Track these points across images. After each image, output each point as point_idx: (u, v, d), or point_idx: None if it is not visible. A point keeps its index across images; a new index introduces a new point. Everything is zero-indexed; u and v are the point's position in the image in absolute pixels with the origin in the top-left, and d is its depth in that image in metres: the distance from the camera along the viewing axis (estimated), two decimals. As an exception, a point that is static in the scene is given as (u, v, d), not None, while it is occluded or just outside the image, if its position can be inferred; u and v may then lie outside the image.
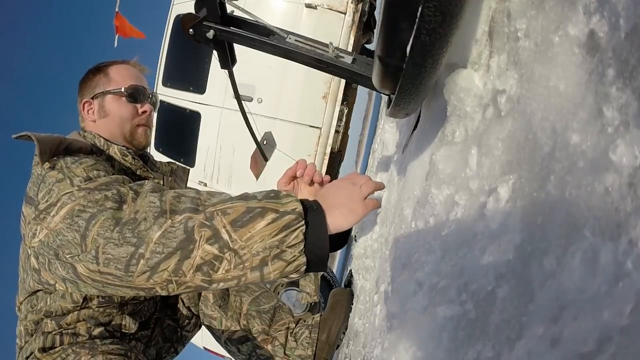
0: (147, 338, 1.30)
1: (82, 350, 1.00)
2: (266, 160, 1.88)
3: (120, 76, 1.24)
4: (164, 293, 0.78)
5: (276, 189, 0.91)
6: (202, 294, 1.45)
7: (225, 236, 0.73)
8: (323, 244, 0.78)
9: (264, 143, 1.85)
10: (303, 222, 0.75)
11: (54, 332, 1.05)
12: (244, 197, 0.78)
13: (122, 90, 1.22)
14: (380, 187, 0.93)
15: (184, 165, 1.49)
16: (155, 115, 1.35)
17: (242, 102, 1.61)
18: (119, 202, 0.78)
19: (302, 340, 1.44)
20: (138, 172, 1.22)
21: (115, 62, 1.28)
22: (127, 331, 1.19)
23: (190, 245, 0.72)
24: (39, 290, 1.05)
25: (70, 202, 0.79)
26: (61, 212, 0.79)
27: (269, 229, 0.73)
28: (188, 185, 1.46)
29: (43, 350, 1.02)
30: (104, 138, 1.18)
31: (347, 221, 0.83)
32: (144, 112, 1.26)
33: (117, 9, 3.33)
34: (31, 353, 1.03)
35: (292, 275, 0.78)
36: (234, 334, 1.43)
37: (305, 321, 1.51)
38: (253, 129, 1.70)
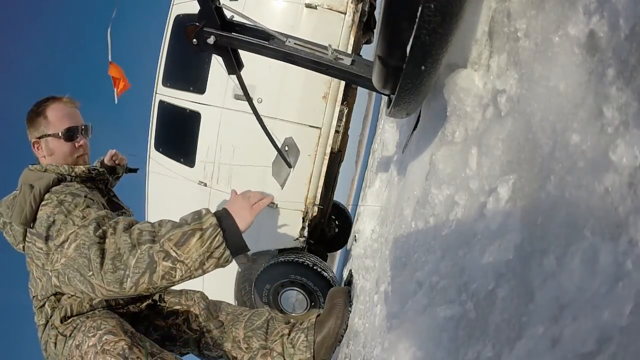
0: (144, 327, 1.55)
1: (87, 320, 1.31)
2: (290, 167, 1.83)
3: (56, 118, 1.48)
4: (148, 293, 1.22)
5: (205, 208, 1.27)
6: (202, 340, 1.59)
7: (174, 254, 1.16)
8: (238, 238, 1.23)
9: (285, 149, 1.79)
10: (219, 229, 1.18)
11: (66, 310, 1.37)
12: (180, 224, 1.20)
13: (60, 134, 1.47)
14: (266, 201, 1.31)
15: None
16: (89, 139, 1.59)
17: (256, 108, 1.57)
18: (103, 238, 1.19)
19: (300, 345, 1.51)
20: (94, 174, 1.54)
21: (50, 101, 1.51)
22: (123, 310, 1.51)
23: (154, 265, 1.15)
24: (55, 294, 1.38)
25: (76, 240, 1.19)
26: (72, 246, 1.19)
27: (199, 242, 1.16)
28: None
29: (62, 320, 1.34)
30: (67, 165, 1.47)
31: (246, 221, 1.25)
32: (80, 146, 1.53)
33: (110, 59, 3.15)
34: (52, 325, 1.35)
35: (225, 264, 1.21)
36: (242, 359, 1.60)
37: (301, 324, 1.56)
38: (271, 135, 1.65)
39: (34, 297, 1.42)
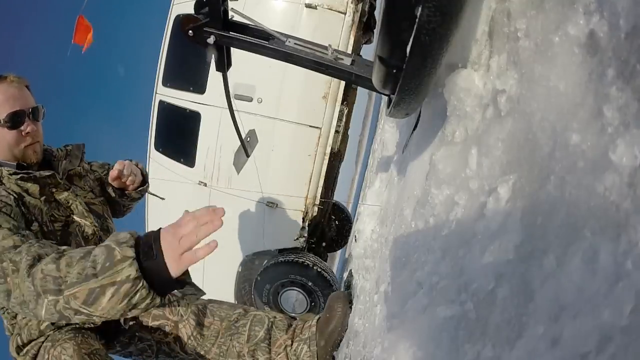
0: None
1: (45, 350, 1.20)
2: (248, 156, 1.96)
3: None
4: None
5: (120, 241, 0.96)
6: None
7: (86, 311, 0.94)
8: (168, 282, 0.93)
9: (247, 140, 1.92)
10: (141, 281, 0.90)
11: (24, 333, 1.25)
12: (86, 276, 0.92)
13: (1, 121, 1.24)
14: (202, 254, 0.93)
15: (78, 143, 1.59)
16: (40, 124, 1.35)
17: (231, 101, 1.65)
18: (4, 277, 1.00)
19: (303, 356, 1.49)
20: (26, 185, 1.29)
21: None
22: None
23: (67, 317, 0.97)
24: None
25: None
26: None
27: (114, 300, 0.91)
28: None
29: (17, 350, 1.23)
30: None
31: (173, 269, 0.92)
32: (27, 133, 1.29)
33: (81, 11, 3.00)
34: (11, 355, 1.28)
35: (157, 308, 0.99)
36: None
37: (302, 334, 1.53)
38: (239, 127, 1.76)
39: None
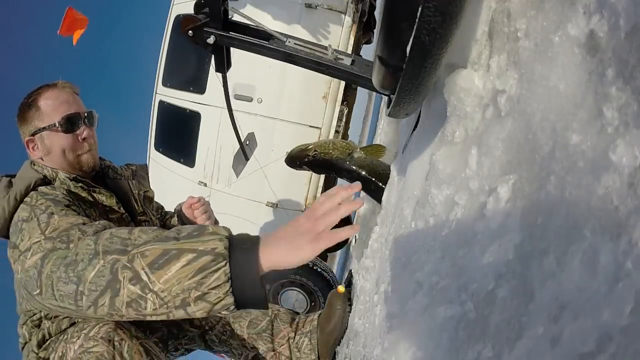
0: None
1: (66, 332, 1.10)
2: (247, 159, 1.97)
3: (51, 108, 1.22)
4: (119, 319, 0.87)
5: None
6: (207, 336, 1.52)
7: (145, 277, 0.78)
8: (253, 284, 0.77)
9: (247, 143, 1.92)
10: (225, 262, 0.75)
11: (44, 329, 1.15)
12: (165, 238, 0.81)
13: (56, 124, 1.21)
14: (350, 209, 0.84)
15: (142, 164, 1.57)
16: (95, 130, 1.33)
17: (231, 103, 1.67)
18: (67, 243, 0.89)
19: (304, 349, 1.53)
20: (83, 195, 1.24)
21: (43, 89, 1.25)
22: None
23: (117, 285, 0.79)
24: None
25: (39, 252, 0.91)
26: (33, 258, 0.91)
27: (185, 271, 0.76)
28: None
29: (39, 344, 1.13)
30: (50, 168, 1.23)
31: (287, 260, 0.79)
32: (84, 139, 1.26)
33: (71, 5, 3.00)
34: (31, 349, 1.14)
35: (223, 313, 0.80)
36: (247, 357, 1.56)
37: (303, 327, 1.57)
38: (239, 131, 1.77)
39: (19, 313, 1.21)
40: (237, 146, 3.21)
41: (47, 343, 1.13)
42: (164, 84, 3.48)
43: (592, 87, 0.43)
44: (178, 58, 3.42)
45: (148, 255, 0.78)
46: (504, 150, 0.60)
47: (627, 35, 0.38)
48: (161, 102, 3.49)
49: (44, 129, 1.21)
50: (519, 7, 0.63)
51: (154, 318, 0.82)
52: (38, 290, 0.88)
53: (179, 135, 3.52)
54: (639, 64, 0.36)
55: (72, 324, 1.12)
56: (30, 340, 1.14)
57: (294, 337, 1.54)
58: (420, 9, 0.59)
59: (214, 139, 3.27)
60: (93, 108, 1.32)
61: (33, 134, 1.23)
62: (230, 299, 0.77)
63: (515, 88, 0.61)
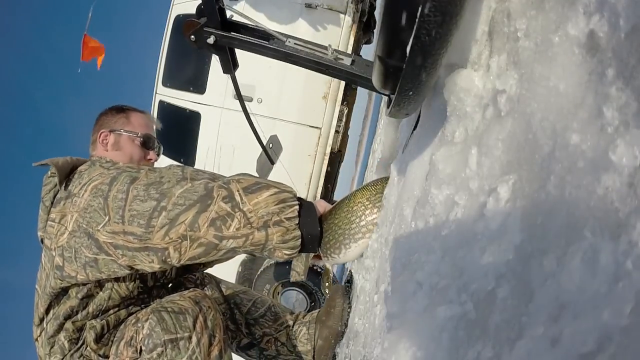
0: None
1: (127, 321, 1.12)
2: (272, 163, 1.91)
3: (138, 123, 1.40)
4: (174, 258, 0.91)
5: None
6: None
7: (238, 198, 0.94)
8: (314, 224, 1.05)
9: (270, 146, 1.87)
10: (297, 202, 1.01)
11: (76, 328, 1.15)
12: (251, 175, 1.01)
13: (138, 134, 1.37)
14: None
15: None
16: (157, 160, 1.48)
17: (246, 105, 1.64)
18: (137, 170, 0.98)
19: (301, 338, 1.55)
20: None
21: (136, 109, 1.44)
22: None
23: (209, 200, 0.91)
24: (55, 299, 1.13)
25: (99, 178, 0.95)
26: (89, 188, 0.95)
27: (272, 198, 0.96)
28: None
29: (96, 339, 1.13)
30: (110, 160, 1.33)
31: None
32: (150, 160, 1.41)
33: (86, 31, 3.16)
34: (82, 354, 1.13)
35: (288, 249, 0.99)
36: (240, 342, 1.59)
37: (303, 318, 1.60)
38: (258, 132, 1.72)
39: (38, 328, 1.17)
40: (237, 146, 3.22)
41: (104, 337, 1.14)
42: (164, 84, 3.48)
43: (592, 87, 0.43)
44: (178, 58, 3.42)
45: (242, 182, 0.98)
46: (504, 150, 0.60)
47: (627, 35, 0.38)
48: (161, 102, 3.50)
49: (125, 131, 1.36)
50: (519, 7, 0.63)
51: (230, 243, 0.93)
52: (106, 218, 0.90)
53: (179, 135, 3.52)
54: (639, 64, 0.36)
55: (131, 314, 1.16)
56: (80, 343, 1.11)
57: (292, 326, 1.57)
58: (420, 9, 0.59)
59: (214, 139, 3.27)
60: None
61: (112, 130, 1.35)
62: (298, 232, 1.00)
63: (515, 88, 0.61)
